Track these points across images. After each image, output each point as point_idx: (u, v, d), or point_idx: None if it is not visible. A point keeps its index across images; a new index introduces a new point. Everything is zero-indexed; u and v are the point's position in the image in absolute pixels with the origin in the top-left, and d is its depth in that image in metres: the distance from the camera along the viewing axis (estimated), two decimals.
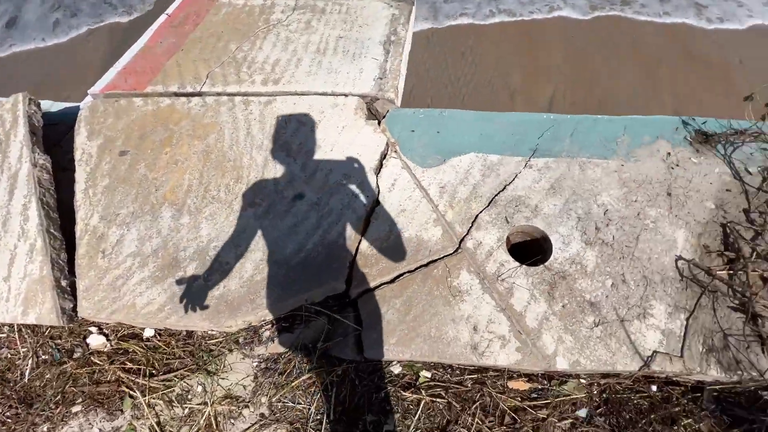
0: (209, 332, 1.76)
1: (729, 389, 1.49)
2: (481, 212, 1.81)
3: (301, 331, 1.67)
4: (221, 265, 1.77)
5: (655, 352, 1.50)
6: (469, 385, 1.57)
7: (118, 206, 1.93)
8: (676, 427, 1.45)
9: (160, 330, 1.79)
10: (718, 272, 1.62)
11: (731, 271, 1.62)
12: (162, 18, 2.83)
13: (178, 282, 1.74)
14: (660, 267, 1.66)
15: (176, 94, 2.33)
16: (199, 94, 2.31)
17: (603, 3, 3.83)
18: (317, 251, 1.76)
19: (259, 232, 1.83)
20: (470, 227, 1.78)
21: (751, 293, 1.55)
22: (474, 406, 1.51)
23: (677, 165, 1.91)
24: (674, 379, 1.53)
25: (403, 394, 1.56)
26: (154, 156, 2.07)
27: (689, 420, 1.45)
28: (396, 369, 1.63)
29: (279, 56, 2.49)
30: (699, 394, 1.50)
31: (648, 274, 1.65)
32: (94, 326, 1.81)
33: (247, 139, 2.10)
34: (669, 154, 1.95)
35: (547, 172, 1.91)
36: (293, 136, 2.10)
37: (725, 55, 3.53)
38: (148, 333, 1.79)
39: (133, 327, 1.80)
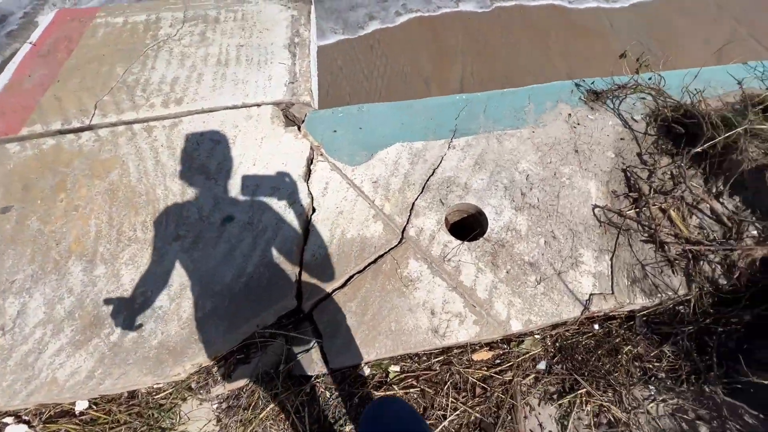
0: (155, 386, 1.59)
1: (654, 311, 1.69)
2: (416, 199, 1.84)
3: (259, 359, 1.58)
4: (154, 311, 1.60)
5: (591, 294, 1.65)
6: (438, 368, 1.60)
7: (12, 272, 1.65)
8: (619, 356, 1.62)
9: (95, 399, 1.57)
10: (627, 212, 1.83)
11: (637, 209, 1.84)
12: (26, 48, 2.46)
13: (106, 340, 1.54)
14: (581, 218, 1.83)
15: (61, 132, 2.04)
16: (90, 128, 2.05)
17: None
18: (259, 272, 1.67)
19: (191, 266, 1.68)
20: (409, 216, 1.80)
21: (655, 225, 1.77)
22: (446, 387, 1.55)
23: (578, 124, 2.11)
24: (611, 314, 1.71)
25: (377, 393, 1.55)
26: (46, 206, 1.80)
27: (629, 347, 1.63)
28: (365, 371, 1.61)
29: (177, 74, 2.30)
30: (632, 322, 1.69)
31: (573, 226, 1.80)
32: (9, 416, 1.54)
33: (157, 168, 1.91)
34: (570, 115, 2.14)
35: (470, 150, 2.00)
36: (209, 156, 1.95)
37: (600, 22, 4.00)
38: (81, 406, 1.56)
39: (60, 404, 1.56)
